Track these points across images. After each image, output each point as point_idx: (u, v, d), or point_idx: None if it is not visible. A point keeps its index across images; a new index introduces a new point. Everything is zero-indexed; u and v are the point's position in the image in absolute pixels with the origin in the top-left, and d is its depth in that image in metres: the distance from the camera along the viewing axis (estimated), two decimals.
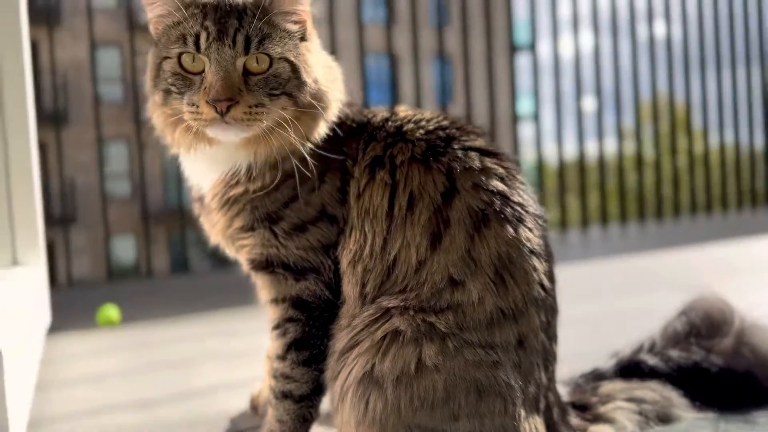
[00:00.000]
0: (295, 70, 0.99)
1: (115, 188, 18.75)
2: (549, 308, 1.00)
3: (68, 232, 6.05)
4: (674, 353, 1.21)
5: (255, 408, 1.34)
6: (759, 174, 5.87)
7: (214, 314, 2.46)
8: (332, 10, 4.12)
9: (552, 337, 1.01)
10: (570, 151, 5.26)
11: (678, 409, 1.13)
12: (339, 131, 1.07)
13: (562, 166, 4.87)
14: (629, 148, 5.56)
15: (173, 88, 0.98)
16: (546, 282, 0.99)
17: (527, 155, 6.50)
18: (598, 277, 3.02)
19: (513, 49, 4.38)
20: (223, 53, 0.94)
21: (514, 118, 4.80)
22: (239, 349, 1.92)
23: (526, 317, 0.94)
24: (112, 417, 1.39)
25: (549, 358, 1.00)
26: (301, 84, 0.99)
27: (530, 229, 0.99)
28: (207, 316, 2.46)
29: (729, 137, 5.66)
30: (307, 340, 1.05)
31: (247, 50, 0.95)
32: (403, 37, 4.52)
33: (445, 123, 1.08)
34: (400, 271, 0.96)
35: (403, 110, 1.14)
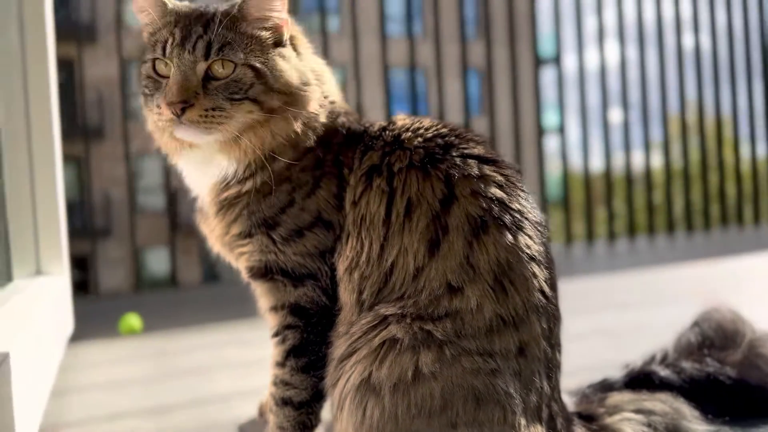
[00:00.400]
0: (260, 75, 1.01)
1: (149, 201, 19.04)
2: (551, 316, 0.99)
3: (104, 244, 6.15)
4: (687, 365, 1.19)
5: (262, 414, 1.35)
6: None
7: (236, 323, 2.49)
8: (355, 23, 4.16)
9: (554, 345, 1.00)
10: (597, 163, 5.19)
11: (688, 422, 1.10)
12: (335, 138, 1.09)
13: (588, 179, 4.82)
14: (657, 160, 5.47)
15: (147, 91, 1.04)
16: (546, 289, 0.98)
17: (553, 168, 6.43)
18: (622, 289, 2.97)
19: (538, 61, 4.35)
20: (183, 58, 0.99)
21: (540, 131, 4.75)
22: (255, 358, 1.94)
23: (527, 325, 0.93)
24: (125, 422, 1.42)
25: (551, 367, 0.99)
26: (268, 89, 1.01)
27: (530, 237, 0.99)
28: (229, 325, 2.49)
29: (761, 149, 5.53)
30: (306, 346, 1.06)
31: (207, 56, 0.98)
32: (427, 50, 4.53)
33: (444, 131, 1.09)
34: (397, 278, 0.97)
35: (401, 119, 1.15)
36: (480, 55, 4.56)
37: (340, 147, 1.09)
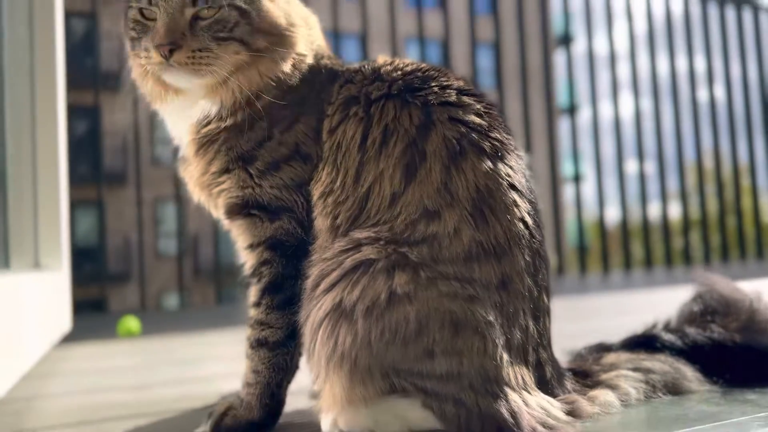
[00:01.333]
0: (244, 15, 1.01)
1: (169, 246, 19.23)
2: (536, 252, 0.94)
3: (123, 288, 6.18)
4: (691, 330, 1.13)
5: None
6: None
7: (237, 329, 2.45)
8: None
9: (542, 287, 0.95)
10: (614, 213, 5.12)
11: (689, 382, 1.05)
12: (318, 77, 1.08)
13: (603, 228, 4.74)
14: (675, 210, 5.39)
15: (134, 34, 1.04)
16: (529, 220, 0.94)
17: (570, 216, 6.37)
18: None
19: (554, 112, 4.37)
20: (170, 1, 0.99)
21: (556, 180, 4.71)
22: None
23: (510, 257, 0.89)
24: (106, 395, 1.41)
25: (538, 309, 0.94)
26: (253, 30, 1.01)
27: (511, 167, 0.96)
28: (228, 330, 2.51)
29: None
30: (282, 281, 1.03)
31: (194, 2, 0.99)
32: None
33: (424, 66, 1.08)
34: (373, 204, 0.94)
35: (382, 58, 1.14)
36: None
37: (322, 85, 1.09)
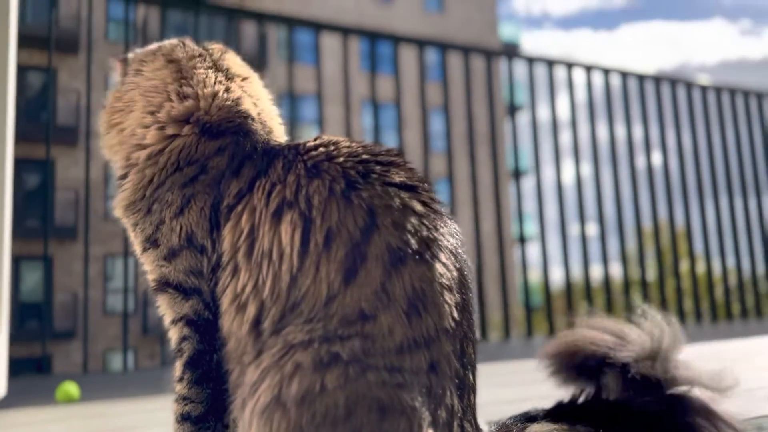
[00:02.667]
0: None
1: (118, 303, 18.68)
2: (464, 337, 0.99)
3: (68, 346, 5.97)
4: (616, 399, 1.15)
5: None
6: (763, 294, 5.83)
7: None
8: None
9: (467, 366, 1.00)
10: (576, 273, 5.26)
11: None
12: (228, 151, 1.10)
13: (569, 287, 4.87)
14: (633, 271, 5.57)
15: None
16: (456, 315, 0.98)
17: (533, 276, 6.50)
18: None
19: (517, 174, 4.53)
20: None
21: (520, 239, 4.84)
22: None
23: (438, 344, 0.94)
24: None
25: (464, 387, 0.98)
26: None
27: (445, 264, 0.99)
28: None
29: (731, 262, 5.67)
30: (200, 357, 1.06)
31: None
32: (414, 162, 4.68)
33: (365, 157, 1.07)
34: (306, 305, 0.96)
35: (311, 142, 1.12)
36: (463, 166, 4.66)
37: (240, 162, 1.11)
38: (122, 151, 1.15)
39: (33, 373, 3.98)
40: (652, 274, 5.56)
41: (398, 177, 1.05)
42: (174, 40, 1.28)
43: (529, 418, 1.18)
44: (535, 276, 6.05)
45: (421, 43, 4.57)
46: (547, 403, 1.21)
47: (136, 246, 1.12)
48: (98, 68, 3.81)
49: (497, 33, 30.48)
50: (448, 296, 0.98)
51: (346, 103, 4.31)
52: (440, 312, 0.96)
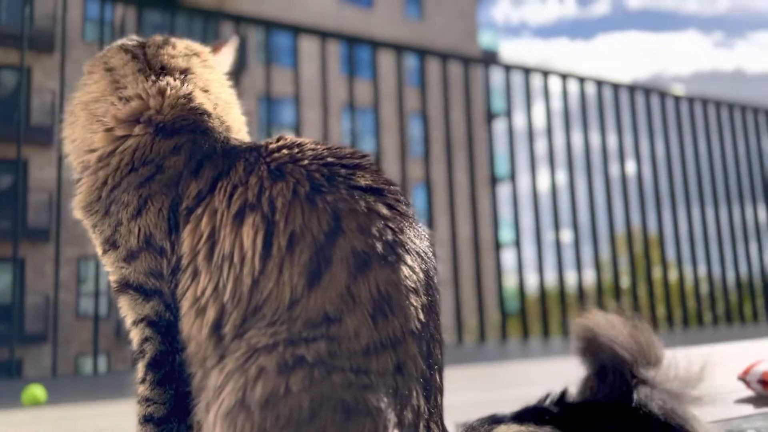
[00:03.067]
0: None
1: (91, 306, 18.41)
2: (430, 338, 0.99)
3: (40, 350, 5.87)
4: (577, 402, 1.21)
5: None
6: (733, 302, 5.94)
7: None
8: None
9: (433, 367, 1.00)
10: (550, 279, 5.30)
11: None
12: (185, 150, 1.08)
13: (543, 293, 4.91)
14: (606, 278, 5.62)
15: None
16: (422, 316, 0.98)
17: (509, 281, 6.55)
18: None
19: (494, 180, 4.57)
20: None
21: (496, 245, 4.87)
22: None
23: (405, 345, 0.94)
24: None
25: (430, 388, 0.98)
26: None
27: (411, 267, 0.99)
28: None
29: (702, 270, 5.77)
30: (162, 357, 1.06)
31: None
32: (392, 167, 4.69)
33: (330, 160, 1.06)
34: (269, 308, 0.95)
35: (274, 144, 1.10)
36: (440, 172, 4.68)
37: (199, 162, 1.10)
38: (75, 157, 1.16)
39: (2, 377, 3.90)
40: (625, 281, 5.63)
41: (364, 180, 1.04)
42: (117, 42, 1.25)
43: (495, 420, 1.19)
44: (510, 282, 6.09)
45: (399, 49, 4.60)
46: (516, 406, 1.22)
47: (97, 247, 1.11)
48: (74, 68, 3.77)
49: (476, 41, 30.68)
50: (413, 299, 0.98)
51: (324, 107, 4.32)
52: (406, 314, 0.96)
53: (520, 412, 1.21)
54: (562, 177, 5.21)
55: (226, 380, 0.94)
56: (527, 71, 4.96)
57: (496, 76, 5.17)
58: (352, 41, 4.49)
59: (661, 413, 1.14)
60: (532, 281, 5.27)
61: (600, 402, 1.19)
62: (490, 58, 5.18)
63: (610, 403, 1.18)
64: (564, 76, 5.13)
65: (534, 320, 5.55)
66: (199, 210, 1.03)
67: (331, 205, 0.98)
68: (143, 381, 1.08)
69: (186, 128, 1.11)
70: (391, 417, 0.91)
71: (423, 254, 1.04)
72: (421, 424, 0.96)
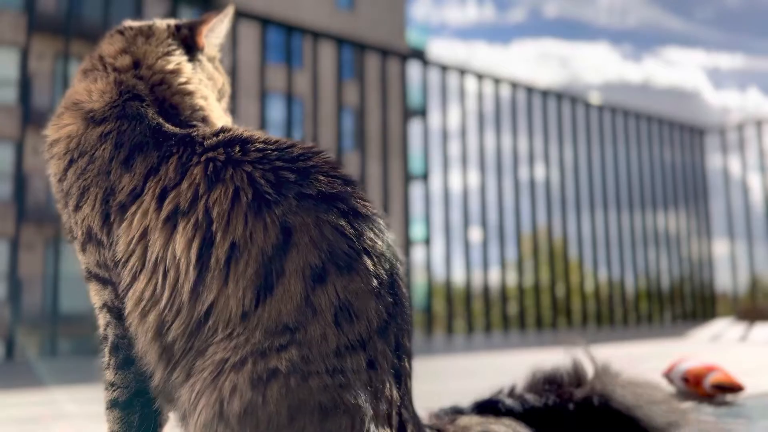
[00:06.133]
0: None
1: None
2: (398, 330, 0.99)
3: None
4: (529, 396, 1.29)
5: None
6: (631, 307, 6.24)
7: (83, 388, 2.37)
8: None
9: (403, 355, 1.00)
10: (458, 276, 5.42)
11: None
12: (112, 137, 1.05)
13: (449, 290, 5.01)
14: (511, 277, 5.78)
15: None
16: (386, 316, 0.97)
17: (419, 278, 6.66)
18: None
19: (407, 178, 4.60)
20: None
21: (407, 242, 4.93)
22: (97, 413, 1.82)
23: (374, 342, 0.94)
24: None
25: (400, 375, 1.00)
26: None
27: (369, 270, 0.96)
28: (79, 388, 2.40)
29: (602, 273, 6.04)
30: (120, 343, 1.06)
31: None
32: None
33: (278, 164, 1.00)
34: (219, 319, 0.93)
35: (212, 139, 1.04)
36: (354, 165, 4.70)
37: (130, 151, 1.08)
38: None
39: None
40: (529, 280, 5.82)
41: (317, 186, 0.98)
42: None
43: (457, 410, 1.25)
44: (419, 278, 6.18)
45: (339, 40, 4.59)
46: (451, 398, 1.30)
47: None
48: None
49: (404, 37, 30.87)
50: (374, 302, 0.96)
51: (261, 96, 4.26)
52: (369, 317, 0.95)
53: (477, 404, 1.27)
54: (474, 177, 5.33)
55: (198, 397, 0.92)
56: (444, 68, 5.05)
57: (416, 73, 5.23)
58: (290, 29, 4.45)
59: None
60: (440, 279, 5.37)
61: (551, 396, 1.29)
62: (417, 56, 5.24)
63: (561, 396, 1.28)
64: (480, 77, 5.25)
65: (440, 318, 5.65)
66: (133, 207, 1.00)
67: (280, 219, 0.94)
68: (108, 366, 1.07)
69: (114, 115, 1.07)
70: (368, 411, 0.91)
71: (383, 252, 1.00)
72: (394, 413, 0.98)
